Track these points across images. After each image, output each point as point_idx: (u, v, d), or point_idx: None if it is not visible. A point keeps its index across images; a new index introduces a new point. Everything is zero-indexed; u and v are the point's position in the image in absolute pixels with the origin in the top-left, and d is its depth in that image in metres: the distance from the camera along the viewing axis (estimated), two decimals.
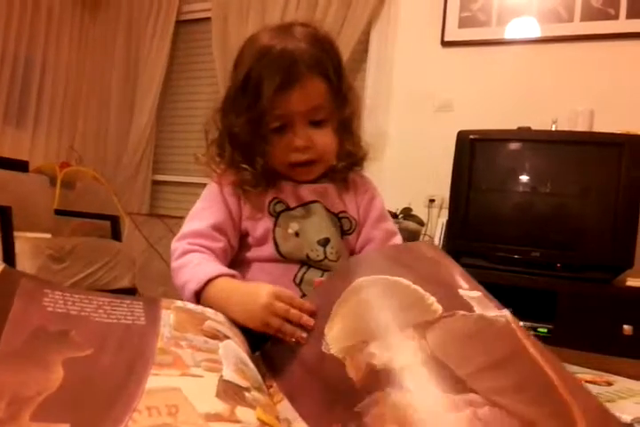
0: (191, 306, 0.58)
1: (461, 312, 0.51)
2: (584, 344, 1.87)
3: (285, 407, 0.50)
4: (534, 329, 1.95)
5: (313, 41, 0.81)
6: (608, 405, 0.73)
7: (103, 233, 3.13)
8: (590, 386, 0.77)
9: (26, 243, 2.48)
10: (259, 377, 0.50)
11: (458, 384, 0.43)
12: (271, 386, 0.55)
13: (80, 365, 0.42)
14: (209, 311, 0.59)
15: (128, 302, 0.53)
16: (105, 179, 3.49)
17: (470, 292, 0.55)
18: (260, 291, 0.66)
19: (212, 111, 0.87)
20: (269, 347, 0.63)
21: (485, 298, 0.54)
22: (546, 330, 1.94)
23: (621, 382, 0.79)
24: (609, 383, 0.78)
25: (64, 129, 3.75)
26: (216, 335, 0.53)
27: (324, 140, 0.83)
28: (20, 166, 3.07)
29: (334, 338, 0.55)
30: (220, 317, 0.60)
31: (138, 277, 3.01)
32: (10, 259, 2.37)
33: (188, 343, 0.48)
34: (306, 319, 0.61)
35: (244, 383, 0.45)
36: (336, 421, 0.45)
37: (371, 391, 0.45)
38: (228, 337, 0.54)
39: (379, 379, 0.46)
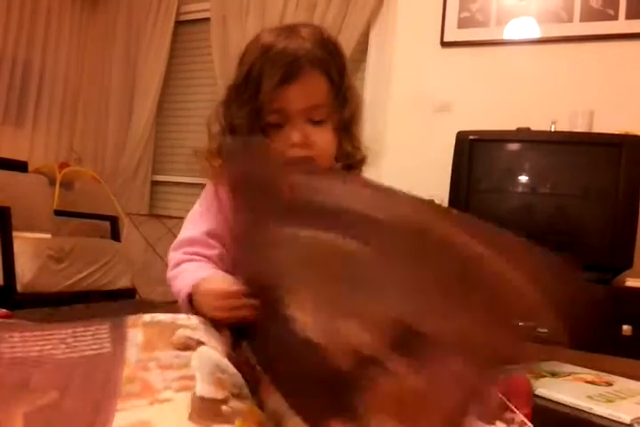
0: (161, 317, 0.57)
1: (373, 235, 0.46)
2: (583, 344, 1.87)
3: (277, 401, 0.49)
4: (534, 329, 1.95)
5: (317, 41, 0.81)
6: (608, 405, 0.73)
7: (102, 233, 3.13)
8: (590, 386, 0.77)
9: (25, 243, 2.48)
10: (239, 380, 0.48)
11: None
12: (261, 379, 0.54)
13: (43, 414, 0.40)
14: (180, 318, 0.58)
15: (93, 328, 0.51)
16: (104, 179, 3.49)
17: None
18: (206, 294, 0.70)
19: (215, 105, 0.87)
20: (252, 336, 0.62)
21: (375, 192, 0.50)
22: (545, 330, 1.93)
23: (621, 383, 0.79)
24: (608, 383, 0.78)
25: (63, 129, 3.75)
26: (188, 345, 0.51)
27: (323, 138, 0.82)
28: (20, 167, 3.08)
29: (307, 321, 0.52)
30: (194, 320, 0.58)
31: (137, 278, 3.01)
32: (9, 259, 2.37)
33: (157, 363, 0.47)
34: (242, 303, 0.64)
35: (221, 395, 0.44)
36: (332, 416, 0.44)
37: (361, 379, 0.43)
38: (202, 342, 0.52)
39: (367, 364, 0.44)
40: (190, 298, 0.74)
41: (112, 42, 3.75)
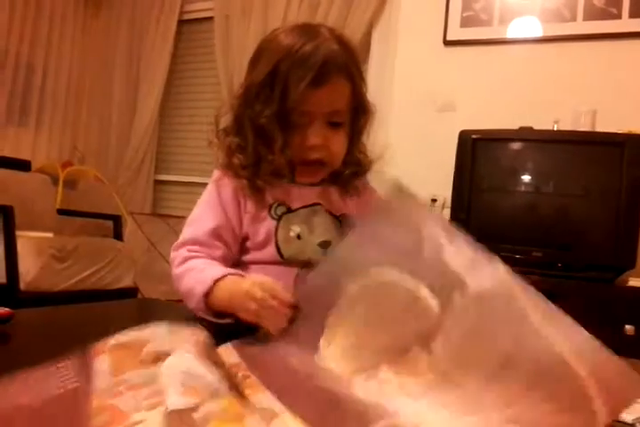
0: (126, 337, 0.55)
1: (457, 297, 0.50)
2: None
3: (269, 399, 0.49)
4: None
5: (342, 43, 0.82)
6: None
7: (105, 232, 3.14)
8: None
9: (28, 242, 2.49)
10: (213, 380, 0.48)
11: (471, 405, 0.43)
12: (248, 376, 0.54)
13: None
14: (147, 332, 0.57)
15: (58, 366, 0.50)
16: (107, 178, 3.50)
17: (457, 254, 0.53)
18: (245, 280, 0.69)
19: (229, 99, 0.87)
20: (245, 342, 0.62)
21: (472, 254, 0.53)
22: None
23: None
24: None
25: (66, 128, 3.75)
26: (158, 358, 0.50)
27: (338, 142, 0.84)
28: (23, 166, 3.08)
29: (335, 357, 0.55)
30: (163, 328, 0.57)
31: (139, 277, 3.01)
32: (12, 258, 2.37)
33: (127, 385, 0.46)
34: (284, 310, 0.63)
35: (192, 402, 0.43)
36: None
37: (383, 416, 0.45)
38: (171, 351, 0.51)
39: (388, 407, 0.46)
40: (207, 295, 0.73)
41: (115, 41, 3.75)
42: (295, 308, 0.64)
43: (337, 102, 0.81)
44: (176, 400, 0.43)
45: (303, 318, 0.63)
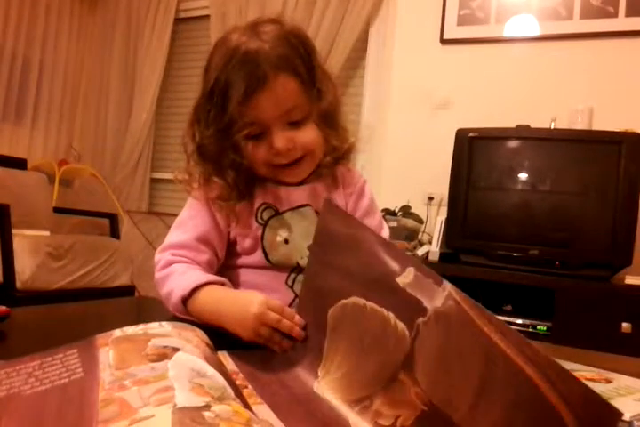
0: (131, 330, 0.54)
1: (420, 320, 0.49)
2: (583, 342, 1.87)
3: (268, 412, 0.49)
4: (533, 327, 1.95)
5: (277, 38, 0.77)
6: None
7: (102, 231, 3.13)
8: (590, 384, 0.77)
9: (24, 240, 2.48)
10: (220, 381, 0.47)
11: None
12: (246, 386, 0.54)
13: None
14: (152, 327, 0.55)
15: (61, 355, 0.50)
16: (103, 176, 3.49)
17: (404, 275, 0.53)
18: (251, 300, 0.65)
19: (187, 123, 0.83)
20: (242, 354, 0.61)
21: (420, 274, 0.52)
22: (545, 328, 1.94)
23: (620, 380, 0.79)
24: (608, 381, 0.78)
25: (62, 127, 3.74)
26: (164, 354, 0.49)
27: (308, 137, 0.79)
28: (19, 164, 3.07)
29: (332, 386, 0.55)
30: (166, 326, 0.56)
31: (136, 275, 3.01)
32: (8, 257, 2.37)
33: (133, 379, 0.45)
34: (297, 332, 0.62)
35: (202, 401, 0.42)
36: None
37: None
38: (177, 349, 0.51)
39: None
40: (185, 299, 0.72)
41: (111, 39, 3.74)
42: (304, 327, 0.63)
43: (284, 102, 0.76)
44: (186, 398, 0.42)
45: (304, 342, 0.62)
